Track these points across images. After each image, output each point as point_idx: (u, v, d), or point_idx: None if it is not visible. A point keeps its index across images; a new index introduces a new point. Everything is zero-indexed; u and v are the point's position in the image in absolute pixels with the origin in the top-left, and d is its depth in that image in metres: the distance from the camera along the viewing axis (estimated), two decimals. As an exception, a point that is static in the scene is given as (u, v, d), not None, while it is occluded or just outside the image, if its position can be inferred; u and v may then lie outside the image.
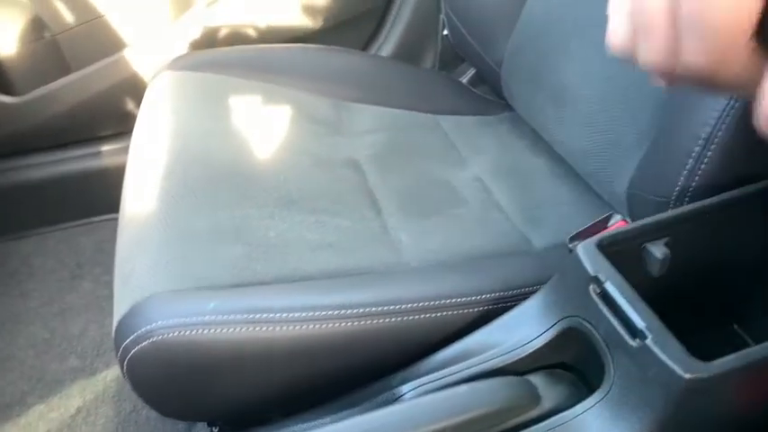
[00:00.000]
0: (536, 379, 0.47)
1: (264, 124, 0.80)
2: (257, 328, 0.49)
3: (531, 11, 0.89)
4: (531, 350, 0.48)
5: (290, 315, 0.50)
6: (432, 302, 0.54)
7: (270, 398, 0.54)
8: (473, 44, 0.99)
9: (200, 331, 0.48)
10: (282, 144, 0.77)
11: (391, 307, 0.53)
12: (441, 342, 0.53)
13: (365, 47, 1.10)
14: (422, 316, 0.54)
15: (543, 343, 0.48)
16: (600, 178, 0.79)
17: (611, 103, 0.76)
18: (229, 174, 0.69)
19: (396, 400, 0.48)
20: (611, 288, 0.43)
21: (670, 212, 0.49)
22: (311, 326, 0.50)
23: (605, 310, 0.43)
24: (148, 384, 0.51)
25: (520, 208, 0.78)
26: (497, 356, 0.48)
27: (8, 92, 1.01)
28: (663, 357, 0.38)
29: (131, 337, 0.49)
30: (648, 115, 0.65)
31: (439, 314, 0.54)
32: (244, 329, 0.49)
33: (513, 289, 0.57)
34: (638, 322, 0.40)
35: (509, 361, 0.48)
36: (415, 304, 0.54)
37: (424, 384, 0.48)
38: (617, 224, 0.58)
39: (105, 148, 1.03)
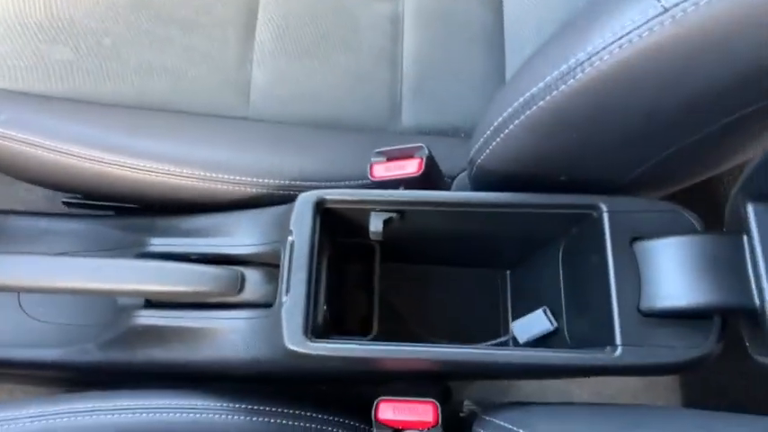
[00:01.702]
0: (252, 272, 0.55)
1: None
2: (38, 152, 0.55)
3: None
4: (253, 251, 0.55)
5: (71, 149, 0.55)
6: (224, 175, 0.58)
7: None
8: None
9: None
10: None
11: (182, 170, 0.57)
12: (212, 207, 0.59)
13: None
14: (209, 185, 0.58)
15: (262, 251, 0.54)
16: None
17: (525, 16, 0.64)
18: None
19: (145, 246, 0.58)
20: (296, 246, 0.47)
21: (402, 192, 0.49)
22: (87, 164, 0.56)
23: (286, 259, 0.48)
24: None
25: (417, 69, 0.73)
26: (230, 245, 0.56)
27: None
28: (284, 323, 0.45)
29: None
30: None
31: (222, 186, 0.58)
32: (23, 148, 0.55)
33: (307, 180, 0.60)
34: (290, 288, 0.46)
35: (236, 252, 0.56)
36: (210, 174, 0.57)
37: (170, 246, 0.57)
38: (417, 162, 0.56)
39: None
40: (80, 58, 0.60)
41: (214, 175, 0.57)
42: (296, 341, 0.44)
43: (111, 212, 0.69)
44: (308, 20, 0.71)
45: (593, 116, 0.42)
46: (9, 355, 0.59)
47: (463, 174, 0.65)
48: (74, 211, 0.69)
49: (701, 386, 0.80)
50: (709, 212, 0.47)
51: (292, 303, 0.45)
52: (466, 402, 0.79)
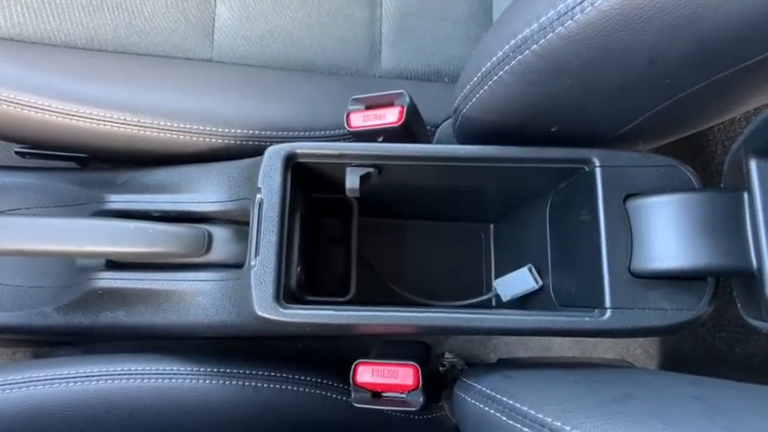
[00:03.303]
0: (219, 230, 0.51)
1: None
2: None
3: None
4: (220, 208, 0.51)
5: (14, 96, 0.49)
6: (187, 125, 0.52)
7: None
8: None
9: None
10: None
11: (140, 119, 0.51)
12: (174, 160, 0.54)
13: None
14: (171, 136, 0.53)
15: (230, 208, 0.50)
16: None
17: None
18: None
19: (103, 202, 0.53)
20: (265, 205, 0.43)
21: (380, 145, 0.45)
22: (32, 113, 0.50)
23: (255, 219, 0.44)
24: None
25: (399, 7, 0.67)
26: (195, 201, 0.51)
27: None
28: (252, 288, 0.42)
29: None
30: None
31: (186, 137, 0.53)
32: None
33: (278, 130, 0.55)
34: (259, 250, 0.42)
35: (202, 209, 0.51)
36: (171, 123, 0.52)
37: (129, 202, 0.52)
38: (398, 110, 0.52)
39: None
40: (18, -9, 0.53)
41: (176, 124, 0.52)
42: (266, 307, 0.41)
43: (72, 164, 0.63)
44: (277, -50, 0.64)
45: (590, 61, 0.38)
46: None
47: (447, 122, 0.61)
48: (29, 162, 0.63)
49: (673, 345, 0.80)
50: (696, 163, 0.45)
51: (262, 267, 0.42)
52: (446, 355, 0.79)
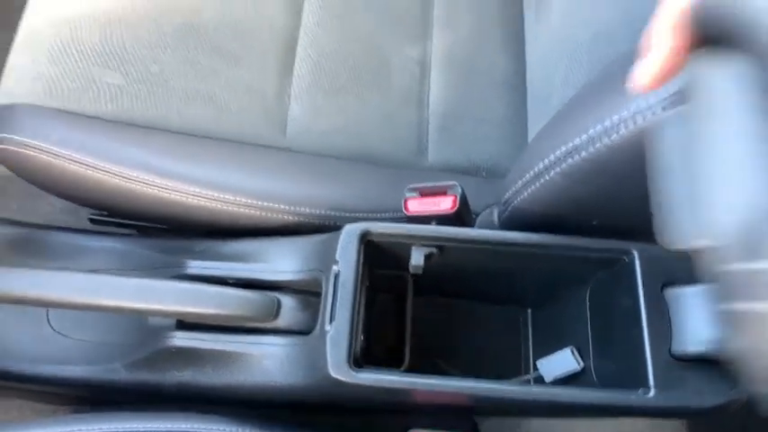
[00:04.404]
0: (288, 299, 0.56)
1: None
2: (87, 171, 0.57)
3: None
4: (290, 278, 0.56)
5: (118, 170, 0.57)
6: (264, 203, 0.59)
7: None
8: None
9: (37, 155, 0.56)
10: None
11: (226, 196, 0.59)
12: (249, 233, 0.61)
13: None
14: (248, 211, 0.60)
15: (300, 278, 0.56)
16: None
17: (549, 66, 0.67)
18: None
19: (182, 267, 0.59)
20: (341, 276, 0.49)
21: (446, 229, 0.52)
22: (133, 185, 0.57)
23: (330, 289, 0.49)
24: (17, 173, 0.62)
25: (442, 109, 0.76)
26: (267, 271, 0.57)
27: None
28: (329, 352, 0.46)
29: None
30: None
31: (262, 213, 0.60)
32: (75, 167, 0.57)
33: (343, 211, 0.62)
34: (335, 317, 0.47)
35: (273, 278, 0.57)
36: (250, 200, 0.59)
37: (207, 269, 0.58)
38: (451, 199, 0.58)
39: None
40: (129, 84, 0.62)
41: (254, 201, 0.59)
42: (341, 370, 0.45)
43: (133, 231, 0.70)
44: (342, 59, 0.74)
45: (632, 167, 0.44)
46: (34, 370, 0.58)
47: (486, 212, 0.68)
48: (100, 228, 0.70)
49: (707, 428, 0.81)
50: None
51: (337, 332, 0.46)
52: (479, 439, 0.80)
